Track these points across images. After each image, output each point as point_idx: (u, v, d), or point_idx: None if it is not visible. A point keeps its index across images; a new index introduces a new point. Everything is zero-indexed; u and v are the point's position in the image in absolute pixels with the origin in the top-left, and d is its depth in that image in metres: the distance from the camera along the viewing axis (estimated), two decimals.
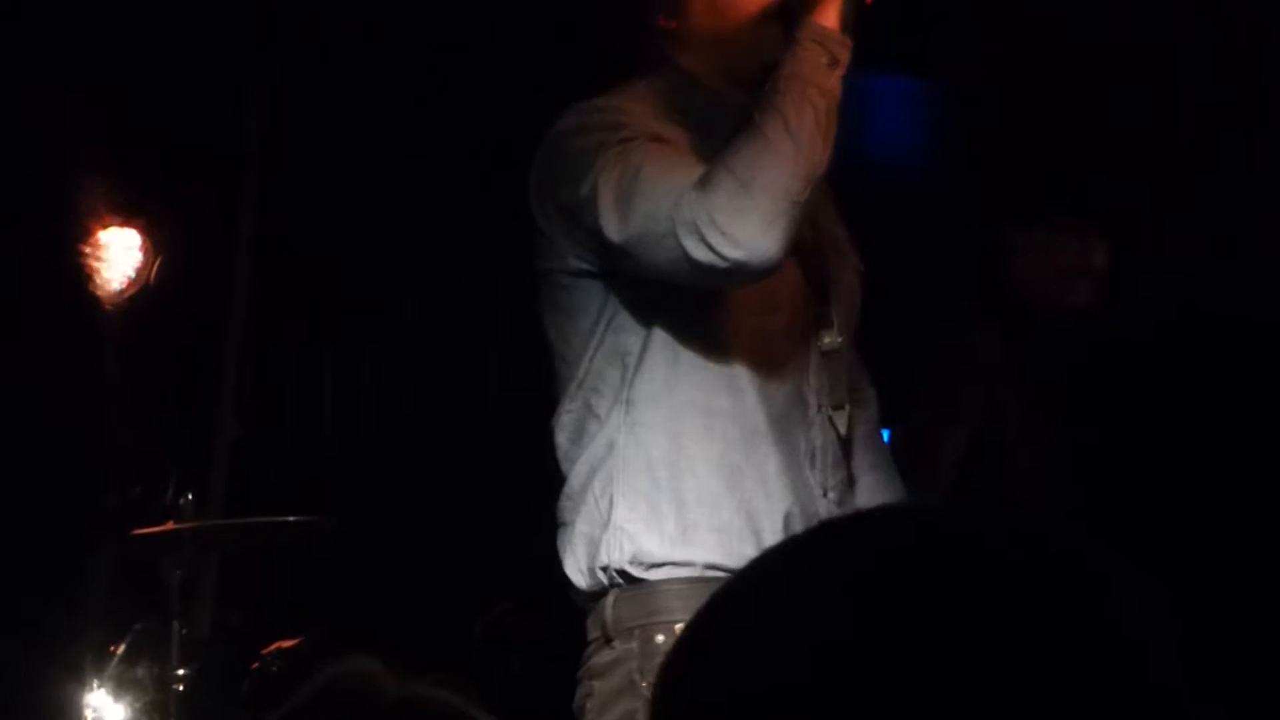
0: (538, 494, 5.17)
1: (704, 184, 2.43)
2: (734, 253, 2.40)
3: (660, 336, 2.61)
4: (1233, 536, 1.25)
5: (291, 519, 4.08)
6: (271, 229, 5.05)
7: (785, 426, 2.65)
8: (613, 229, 2.49)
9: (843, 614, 0.90)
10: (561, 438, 2.71)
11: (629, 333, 2.63)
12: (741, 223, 2.39)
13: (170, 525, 3.77)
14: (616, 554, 2.59)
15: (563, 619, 2.85)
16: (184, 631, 3.79)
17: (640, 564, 2.59)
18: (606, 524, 2.60)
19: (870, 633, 0.89)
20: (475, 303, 5.49)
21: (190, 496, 3.87)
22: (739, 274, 2.46)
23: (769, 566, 0.98)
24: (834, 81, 2.52)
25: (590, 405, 2.66)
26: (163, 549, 3.79)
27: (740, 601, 0.96)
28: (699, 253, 2.41)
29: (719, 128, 2.60)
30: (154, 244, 4.32)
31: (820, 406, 2.70)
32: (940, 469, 3.77)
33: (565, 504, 2.69)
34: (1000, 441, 3.73)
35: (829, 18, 2.54)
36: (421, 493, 5.26)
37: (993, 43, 4.78)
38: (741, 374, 2.63)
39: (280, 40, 4.87)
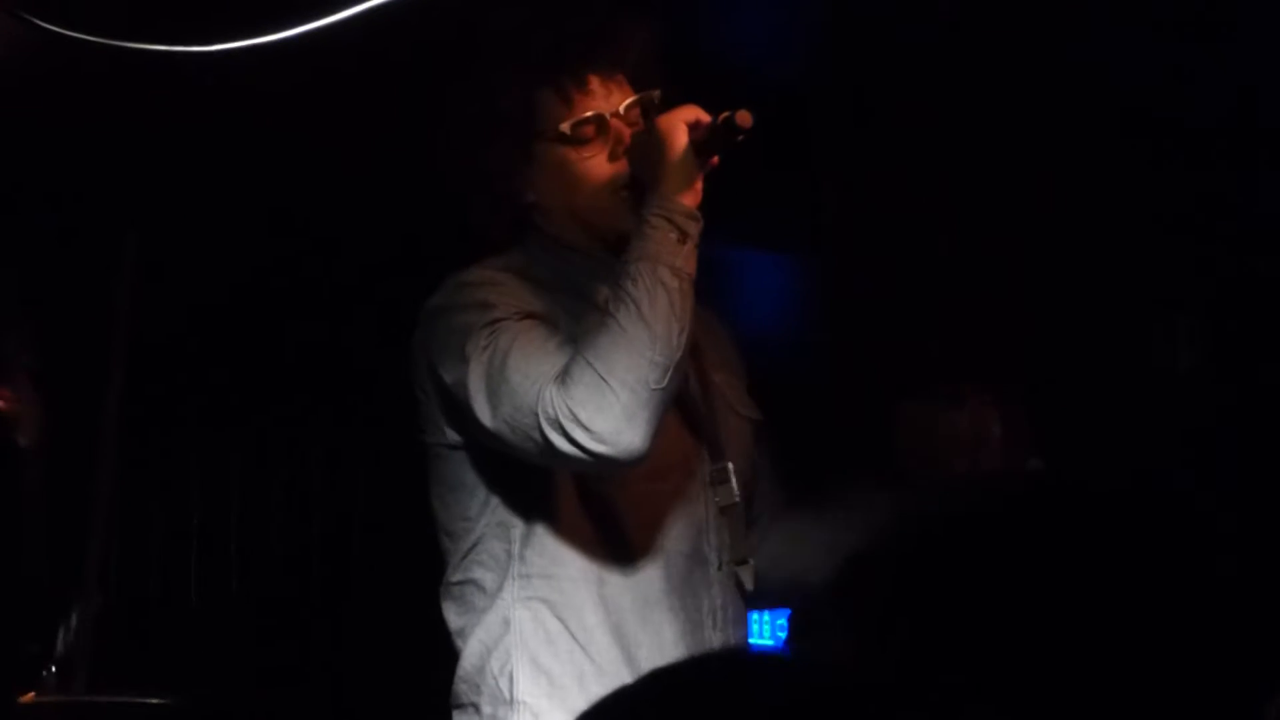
0: (411, 663, 5.13)
1: (564, 378, 2.44)
2: (597, 447, 2.42)
3: (545, 510, 2.63)
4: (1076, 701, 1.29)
5: (154, 701, 4.01)
6: (137, 398, 5.02)
7: (685, 589, 2.67)
8: (484, 416, 2.52)
9: None
10: (449, 612, 2.71)
11: (514, 506, 2.64)
12: (603, 417, 2.40)
13: (31, 697, 3.72)
14: None
15: None
16: None
17: None
18: (510, 701, 2.60)
19: None
20: (342, 472, 5.48)
21: (53, 668, 3.82)
22: (604, 465, 2.47)
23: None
24: (685, 258, 2.51)
25: (476, 580, 2.66)
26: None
27: None
28: (564, 446, 2.43)
29: (590, 288, 2.65)
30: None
31: (721, 564, 2.72)
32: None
33: (461, 687, 2.67)
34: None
35: (674, 188, 2.54)
36: (288, 663, 5.21)
37: (852, 218, 4.87)
38: (632, 541, 2.64)
39: (144, 206, 4.88)
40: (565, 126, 2.69)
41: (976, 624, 1.32)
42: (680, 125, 2.57)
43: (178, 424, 5.26)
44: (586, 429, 2.41)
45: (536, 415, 2.45)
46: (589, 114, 2.70)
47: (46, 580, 4.10)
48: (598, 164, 2.71)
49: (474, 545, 2.66)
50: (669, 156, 2.55)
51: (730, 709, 0.97)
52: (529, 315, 2.58)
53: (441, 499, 2.72)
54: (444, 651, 2.81)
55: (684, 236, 2.53)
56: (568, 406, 2.42)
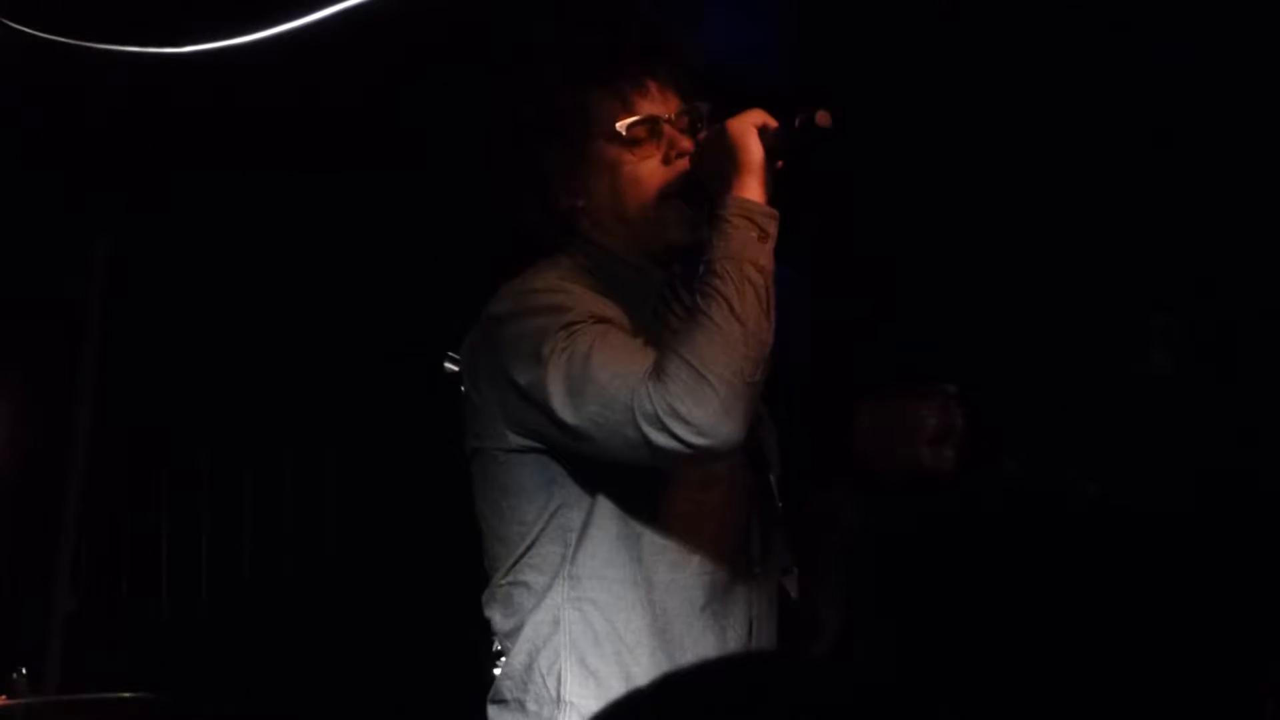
0: (379, 667, 5.11)
1: (659, 374, 2.46)
2: (698, 440, 2.44)
3: (601, 514, 2.63)
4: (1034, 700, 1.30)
5: (126, 695, 4.01)
6: (109, 404, 5.02)
7: (729, 597, 2.69)
8: (566, 415, 2.52)
9: None
10: (495, 614, 2.71)
11: (572, 509, 2.64)
12: (703, 411, 2.43)
13: (3, 700, 3.71)
14: None
15: None
16: None
17: None
18: (557, 701, 2.60)
19: None
20: (309, 476, 5.48)
21: (24, 670, 3.80)
22: (702, 458, 2.50)
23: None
24: (767, 255, 2.56)
25: (526, 581, 2.66)
26: None
27: None
28: (663, 441, 2.44)
29: (640, 303, 2.66)
30: None
31: (760, 575, 2.74)
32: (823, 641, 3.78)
33: (506, 683, 2.67)
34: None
35: (750, 190, 2.58)
36: (259, 666, 5.20)
37: (824, 226, 4.88)
38: (680, 548, 2.65)
39: (116, 210, 4.87)
40: (621, 126, 2.70)
41: (958, 626, 1.33)
42: (752, 129, 2.60)
43: (149, 430, 5.25)
44: (687, 422, 2.44)
45: (631, 411, 2.46)
46: (643, 115, 2.72)
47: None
48: (650, 167, 2.72)
49: (529, 548, 2.67)
50: (744, 160, 2.59)
51: (736, 712, 0.97)
52: (601, 319, 2.59)
53: (495, 504, 2.70)
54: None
55: (764, 235, 2.57)
56: (666, 401, 2.44)
